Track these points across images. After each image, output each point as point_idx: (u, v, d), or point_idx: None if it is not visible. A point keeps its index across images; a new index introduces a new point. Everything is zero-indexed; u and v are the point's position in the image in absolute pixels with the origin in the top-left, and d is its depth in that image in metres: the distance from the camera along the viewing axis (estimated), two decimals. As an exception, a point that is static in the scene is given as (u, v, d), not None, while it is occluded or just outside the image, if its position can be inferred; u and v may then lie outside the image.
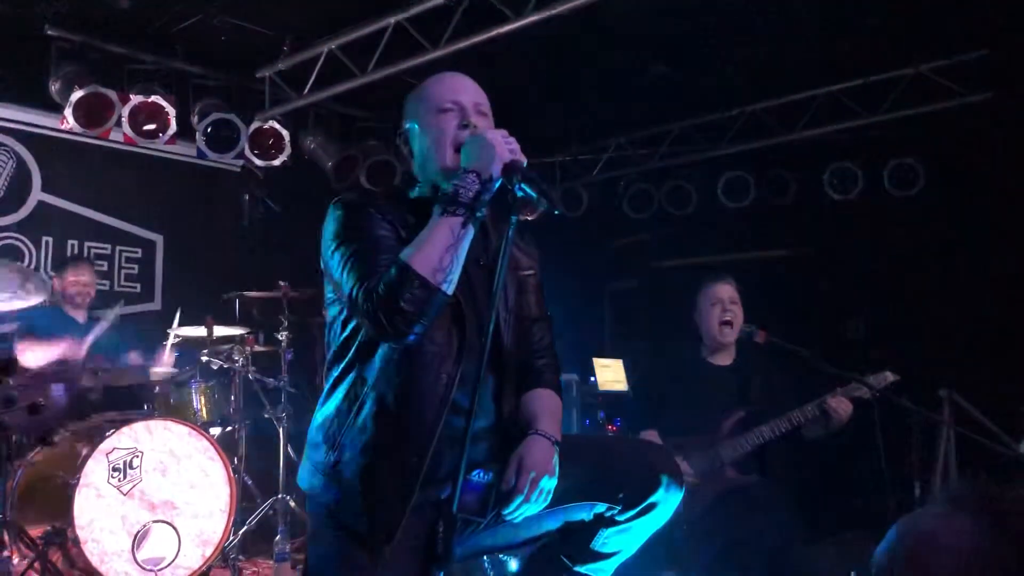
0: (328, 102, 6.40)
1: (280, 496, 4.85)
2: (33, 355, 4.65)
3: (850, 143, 6.82)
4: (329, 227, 2.11)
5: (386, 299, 1.91)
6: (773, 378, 3.83)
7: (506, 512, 2.01)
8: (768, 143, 6.84)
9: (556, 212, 1.99)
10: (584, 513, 2.16)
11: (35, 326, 4.77)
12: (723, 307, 3.84)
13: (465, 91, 2.21)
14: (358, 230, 2.05)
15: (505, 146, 2.01)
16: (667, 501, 2.14)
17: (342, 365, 2.13)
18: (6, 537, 3.98)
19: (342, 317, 2.13)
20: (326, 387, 2.18)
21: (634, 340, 7.66)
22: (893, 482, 5.53)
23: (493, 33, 4.99)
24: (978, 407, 4.52)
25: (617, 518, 2.13)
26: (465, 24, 5.12)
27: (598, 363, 6.58)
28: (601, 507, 2.13)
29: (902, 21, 5.47)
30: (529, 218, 6.57)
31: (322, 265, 2.14)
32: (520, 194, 1.97)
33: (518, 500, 1.99)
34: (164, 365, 4.97)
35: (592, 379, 6.58)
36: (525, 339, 2.29)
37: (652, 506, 2.12)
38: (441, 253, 1.94)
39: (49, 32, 5.62)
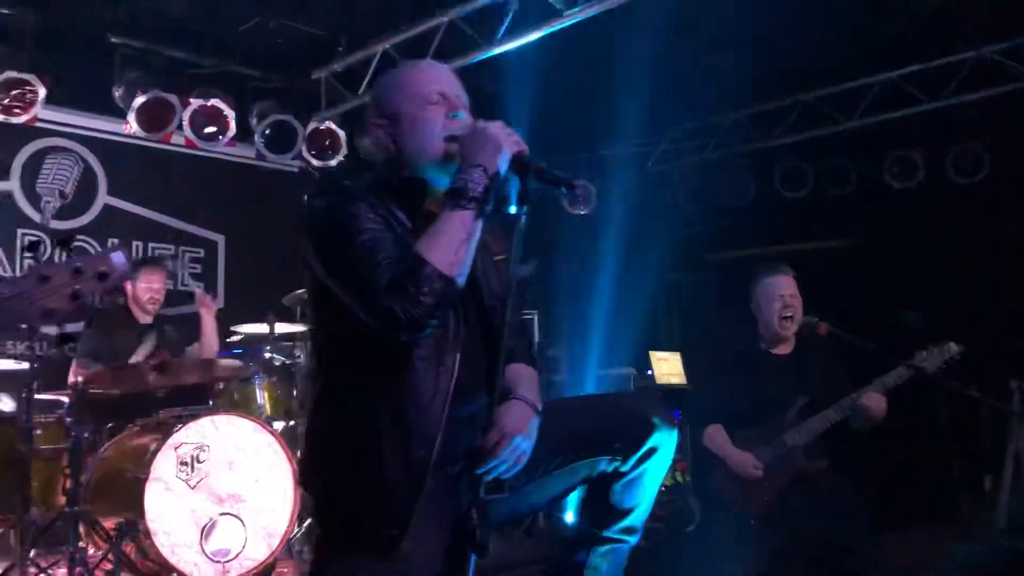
0: (382, 101, 6.46)
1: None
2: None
3: (911, 130, 6.68)
4: (320, 223, 2.05)
5: (404, 294, 1.89)
6: (834, 366, 3.78)
7: (480, 471, 1.99)
8: (825, 132, 6.73)
9: (575, 200, 1.98)
10: (590, 469, 2.18)
11: (96, 327, 4.93)
12: (784, 302, 3.80)
13: (449, 82, 2.17)
14: (355, 226, 1.99)
15: (508, 137, 2.00)
16: (665, 442, 2.15)
17: (336, 363, 2.12)
18: (81, 529, 4.11)
19: (334, 314, 2.05)
20: (320, 386, 2.15)
21: (691, 333, 7.60)
22: (962, 475, 5.43)
23: (547, 29, 5.00)
24: (1050, 398, 4.40)
25: (621, 469, 2.15)
26: (520, 20, 5.14)
27: (655, 356, 6.54)
28: (603, 462, 2.16)
29: (963, 2, 5.34)
30: (583, 211, 6.56)
31: (314, 264, 2.06)
32: (533, 185, 1.97)
33: (493, 462, 1.98)
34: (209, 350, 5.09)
35: (649, 372, 6.55)
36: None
37: (652, 450, 2.14)
38: (456, 246, 1.94)
39: (113, 40, 5.79)
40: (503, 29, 5.21)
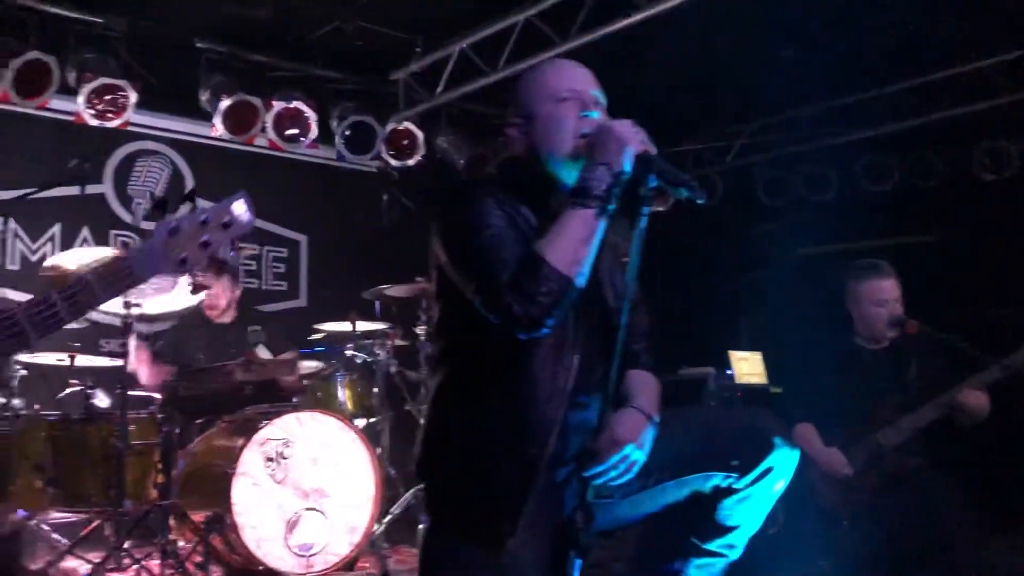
0: (459, 100, 6.51)
1: (423, 486, 4.97)
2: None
3: (1002, 120, 6.43)
4: (449, 219, 2.11)
5: (522, 292, 1.91)
6: (929, 363, 3.66)
7: (587, 475, 1.97)
8: (912, 124, 6.53)
9: (700, 201, 1.95)
10: (702, 484, 2.13)
11: (179, 329, 5.09)
12: (889, 308, 3.70)
13: (583, 80, 2.18)
14: (481, 221, 2.03)
15: (635, 136, 1.98)
16: (783, 464, 2.10)
17: (457, 358, 2.14)
18: (172, 522, 4.25)
19: (457, 308, 2.09)
20: (440, 380, 2.18)
21: (772, 332, 7.45)
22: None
23: (624, 23, 4.96)
24: None
25: (735, 486, 2.10)
26: (595, 15, 5.12)
27: (735, 356, 6.44)
28: (718, 477, 2.11)
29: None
30: (661, 208, 6.50)
31: (438, 258, 2.11)
32: (653, 184, 1.95)
33: (601, 467, 1.96)
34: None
35: (728, 372, 6.45)
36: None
37: (768, 471, 2.09)
38: (576, 246, 1.94)
39: (198, 45, 5.96)
40: (578, 24, 5.20)
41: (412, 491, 5.00)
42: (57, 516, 4.42)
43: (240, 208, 1.53)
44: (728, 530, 2.16)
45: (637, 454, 1.99)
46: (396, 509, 4.93)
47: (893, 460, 3.53)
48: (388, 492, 4.96)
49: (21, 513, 4.30)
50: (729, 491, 2.11)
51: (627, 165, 1.97)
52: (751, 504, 2.13)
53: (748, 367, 6.42)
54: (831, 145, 7.15)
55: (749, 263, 8.08)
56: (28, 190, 4.06)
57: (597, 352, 1.91)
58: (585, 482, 1.93)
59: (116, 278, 1.45)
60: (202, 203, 1.82)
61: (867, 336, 3.80)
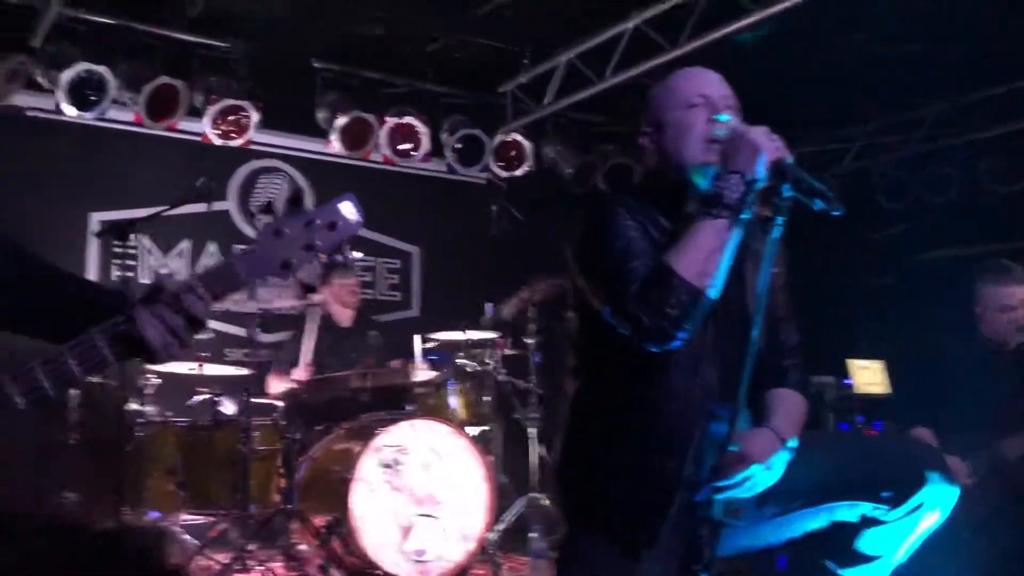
0: (566, 110, 6.53)
1: (533, 494, 5.01)
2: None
3: None
4: (582, 229, 2.11)
5: (650, 303, 1.89)
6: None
7: (711, 488, 1.93)
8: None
9: (836, 213, 1.87)
10: (848, 513, 2.05)
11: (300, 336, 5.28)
12: (1017, 314, 3.52)
13: (713, 85, 2.15)
14: (612, 232, 2.02)
15: (770, 143, 1.93)
16: (937, 499, 1.99)
17: (594, 368, 2.14)
18: (294, 526, 4.39)
19: (593, 319, 2.08)
20: (577, 390, 2.17)
21: (893, 339, 7.17)
22: None
23: (734, 27, 4.89)
24: None
25: (883, 518, 2.01)
26: (705, 20, 5.05)
27: (854, 364, 6.23)
28: (866, 507, 2.02)
29: None
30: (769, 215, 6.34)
31: (573, 267, 2.12)
32: (788, 195, 1.88)
33: (724, 482, 1.91)
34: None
35: (847, 381, 6.24)
36: (771, 339, 2.21)
37: (920, 506, 1.98)
38: (706, 256, 1.90)
39: (315, 65, 6.17)
40: (688, 29, 5.15)
41: (524, 499, 5.03)
42: (187, 518, 4.63)
43: (348, 209, 1.55)
44: (868, 559, 2.07)
45: (764, 475, 1.93)
46: (509, 517, 4.96)
47: (1017, 472, 3.35)
48: (501, 500, 5.00)
49: (154, 514, 4.53)
50: (877, 521, 2.02)
51: (761, 173, 1.91)
52: (897, 536, 2.03)
53: (869, 376, 6.20)
54: (953, 145, 6.84)
55: (868, 268, 7.80)
56: (161, 208, 4.28)
57: (738, 366, 1.84)
58: (711, 497, 1.90)
59: (222, 280, 1.49)
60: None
61: (993, 340, 3.63)
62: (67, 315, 1.50)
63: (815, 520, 2.09)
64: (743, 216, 1.93)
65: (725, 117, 2.06)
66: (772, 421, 2.05)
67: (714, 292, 1.92)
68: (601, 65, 5.75)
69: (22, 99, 5.53)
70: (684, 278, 1.88)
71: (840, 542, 2.09)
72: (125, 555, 0.72)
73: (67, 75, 5.25)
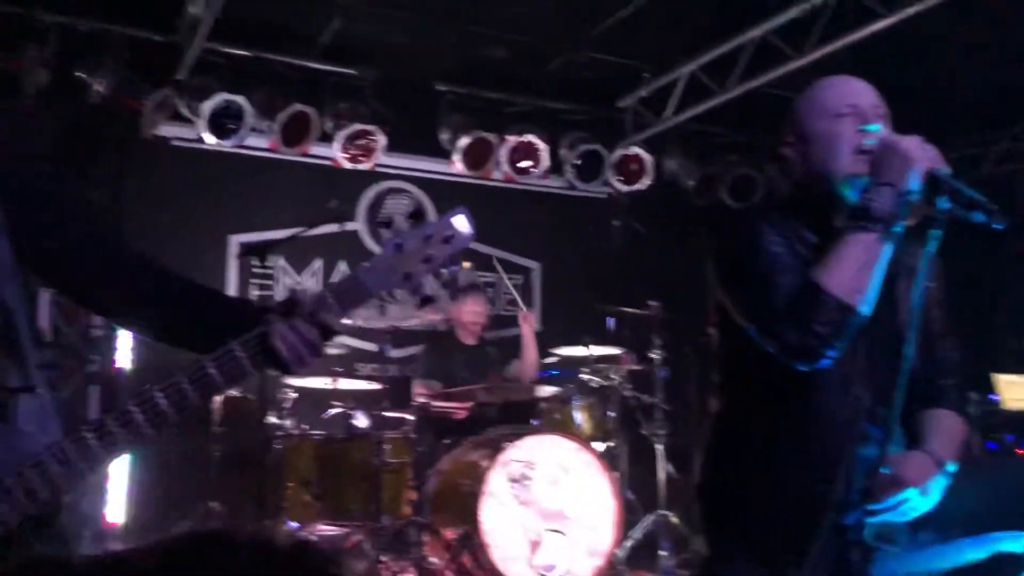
0: (687, 122, 6.48)
1: (662, 511, 4.95)
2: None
3: None
4: (722, 247, 2.08)
5: (798, 321, 1.83)
6: None
7: (863, 512, 1.86)
8: None
9: (997, 227, 1.77)
10: (1013, 544, 1.94)
11: (432, 350, 5.38)
12: None
13: (862, 94, 2.06)
14: (756, 247, 1.97)
15: (923, 154, 1.85)
16: None
17: (739, 387, 2.10)
18: (426, 538, 4.48)
19: (737, 336, 2.03)
20: (721, 409, 2.14)
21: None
22: None
23: (865, 32, 4.75)
24: None
25: None
26: (833, 26, 4.93)
27: (1002, 379, 5.90)
28: None
29: None
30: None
31: (715, 283, 2.07)
32: (944, 207, 1.79)
33: (876, 505, 1.83)
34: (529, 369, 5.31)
35: (993, 397, 5.92)
36: (928, 356, 2.12)
37: None
38: (856, 272, 1.83)
39: (438, 88, 6.33)
40: (816, 36, 5.03)
41: (652, 516, 4.98)
42: (323, 528, 4.78)
43: (461, 223, 1.63)
44: None
45: (919, 500, 1.86)
46: (636, 534, 4.92)
47: None
48: (628, 516, 4.97)
49: (292, 524, 4.70)
50: None
51: (914, 185, 1.83)
52: None
53: (1017, 391, 5.86)
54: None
55: (1013, 278, 7.38)
56: (298, 229, 4.46)
57: (890, 385, 1.76)
58: (862, 520, 1.84)
59: (350, 293, 1.58)
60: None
61: None
62: (211, 327, 1.60)
63: (976, 550, 1.99)
64: (895, 229, 1.85)
65: (875, 127, 1.98)
66: (929, 443, 1.96)
67: (866, 309, 1.85)
68: (723, 76, 5.68)
69: (168, 129, 5.87)
70: (834, 294, 1.82)
71: (1003, 574, 1.99)
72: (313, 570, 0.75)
73: (208, 106, 5.55)
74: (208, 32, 4.92)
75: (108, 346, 5.39)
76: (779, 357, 1.89)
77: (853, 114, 2.01)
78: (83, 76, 5.31)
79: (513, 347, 5.80)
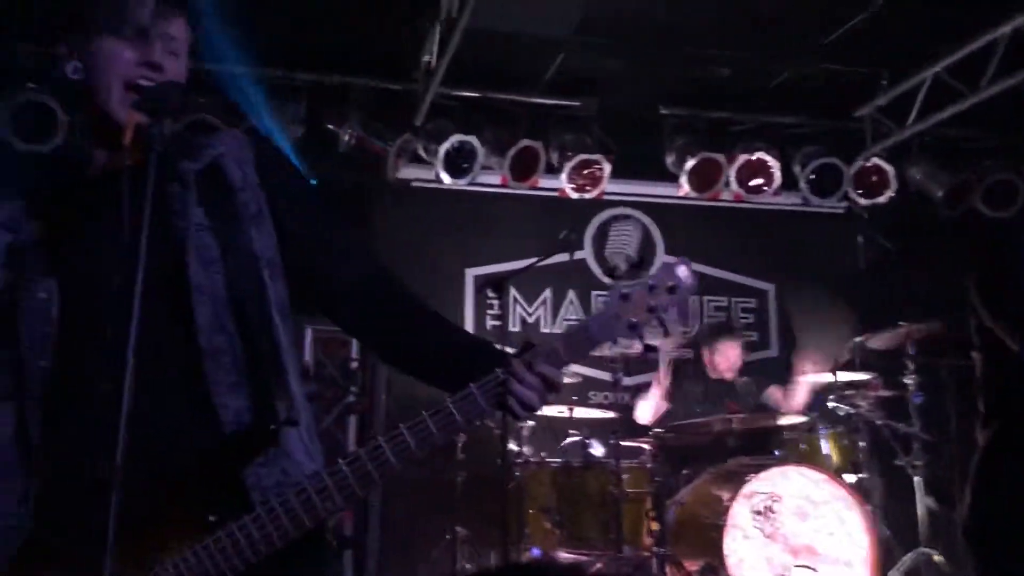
0: (932, 128, 6.04)
1: (924, 549, 4.59)
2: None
3: None
4: (985, 264, 1.97)
5: None
6: None
7: None
8: None
9: None
10: None
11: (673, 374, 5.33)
12: None
13: None
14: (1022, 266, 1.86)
15: None
16: None
17: (1010, 416, 1.96)
18: (668, 570, 4.42)
19: (1007, 362, 1.93)
20: (989, 437, 2.00)
21: None
22: None
23: None
24: None
25: None
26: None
27: None
28: None
29: None
30: None
31: (979, 304, 1.96)
32: None
33: None
34: (795, 405, 5.09)
35: None
36: None
37: None
38: None
39: (662, 111, 6.30)
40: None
41: (912, 554, 4.64)
42: (565, 555, 4.83)
43: (684, 273, 1.66)
44: None
45: None
46: (894, 574, 4.59)
47: None
48: (885, 554, 4.66)
49: (535, 551, 4.78)
50: None
51: None
52: None
53: None
54: None
55: None
56: (533, 260, 4.58)
57: None
58: None
59: (578, 344, 1.64)
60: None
61: None
62: (458, 367, 1.68)
63: None
64: None
65: None
66: None
67: None
68: (973, 76, 5.26)
69: (408, 172, 6.24)
70: None
71: None
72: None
73: (444, 147, 5.84)
74: (441, 77, 5.19)
75: (365, 379, 5.77)
76: None
77: None
78: (332, 127, 5.77)
79: (754, 372, 5.64)
